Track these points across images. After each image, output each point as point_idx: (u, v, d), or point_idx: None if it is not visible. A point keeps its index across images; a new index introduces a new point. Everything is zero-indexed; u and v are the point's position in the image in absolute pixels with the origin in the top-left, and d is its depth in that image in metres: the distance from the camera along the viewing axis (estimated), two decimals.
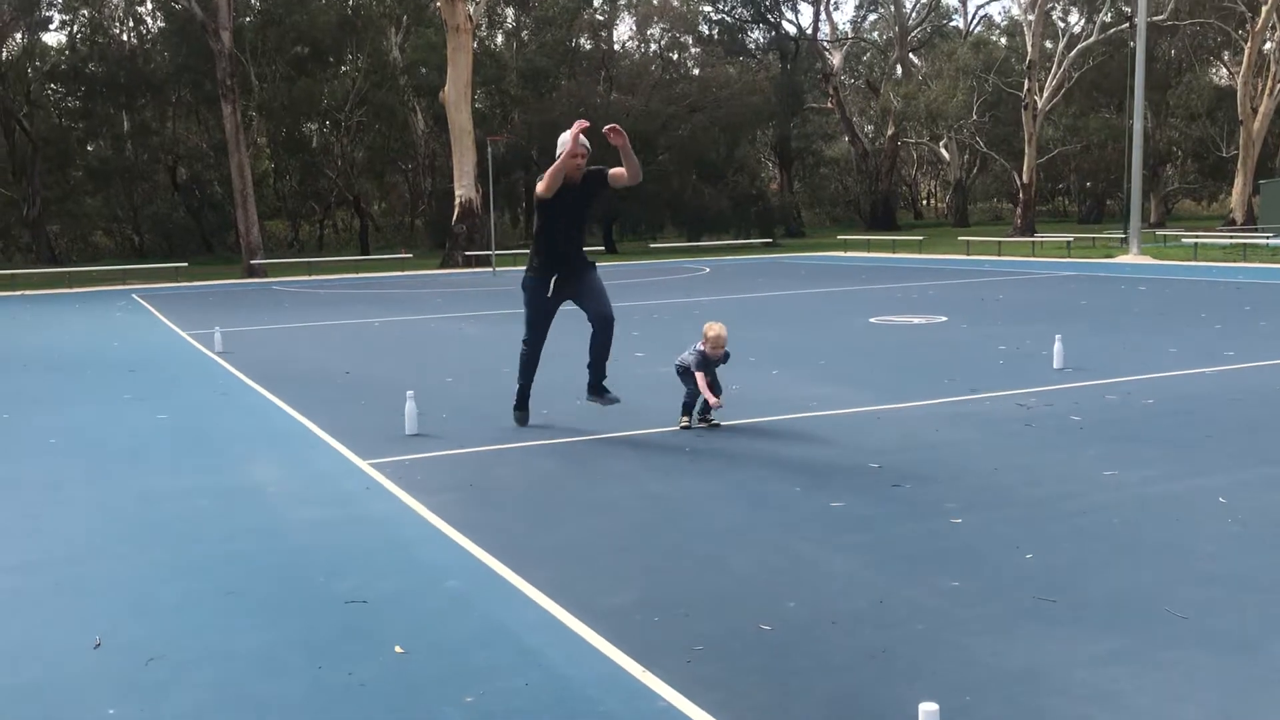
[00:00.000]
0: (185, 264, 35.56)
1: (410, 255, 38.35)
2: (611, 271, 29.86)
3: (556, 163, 7.25)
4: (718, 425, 7.72)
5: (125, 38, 49.16)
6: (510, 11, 54.48)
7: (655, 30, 54.31)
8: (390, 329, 15.64)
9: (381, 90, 45.56)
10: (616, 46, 56.48)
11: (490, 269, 32.14)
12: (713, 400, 7.47)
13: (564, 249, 7.56)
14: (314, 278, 31.83)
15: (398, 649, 3.88)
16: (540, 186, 7.27)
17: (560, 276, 7.54)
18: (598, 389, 7.82)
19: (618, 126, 7.10)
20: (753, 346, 12.17)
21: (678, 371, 7.81)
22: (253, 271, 33.26)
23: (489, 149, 32.18)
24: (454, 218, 36.19)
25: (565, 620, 4.11)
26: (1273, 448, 6.59)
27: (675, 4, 55.93)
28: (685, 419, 7.77)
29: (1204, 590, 4.23)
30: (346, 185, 47.44)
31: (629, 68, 50.96)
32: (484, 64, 45.51)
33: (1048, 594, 4.24)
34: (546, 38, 50.31)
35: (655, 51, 54.45)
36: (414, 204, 53.21)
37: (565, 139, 7.34)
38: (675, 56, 55.55)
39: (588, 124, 7.29)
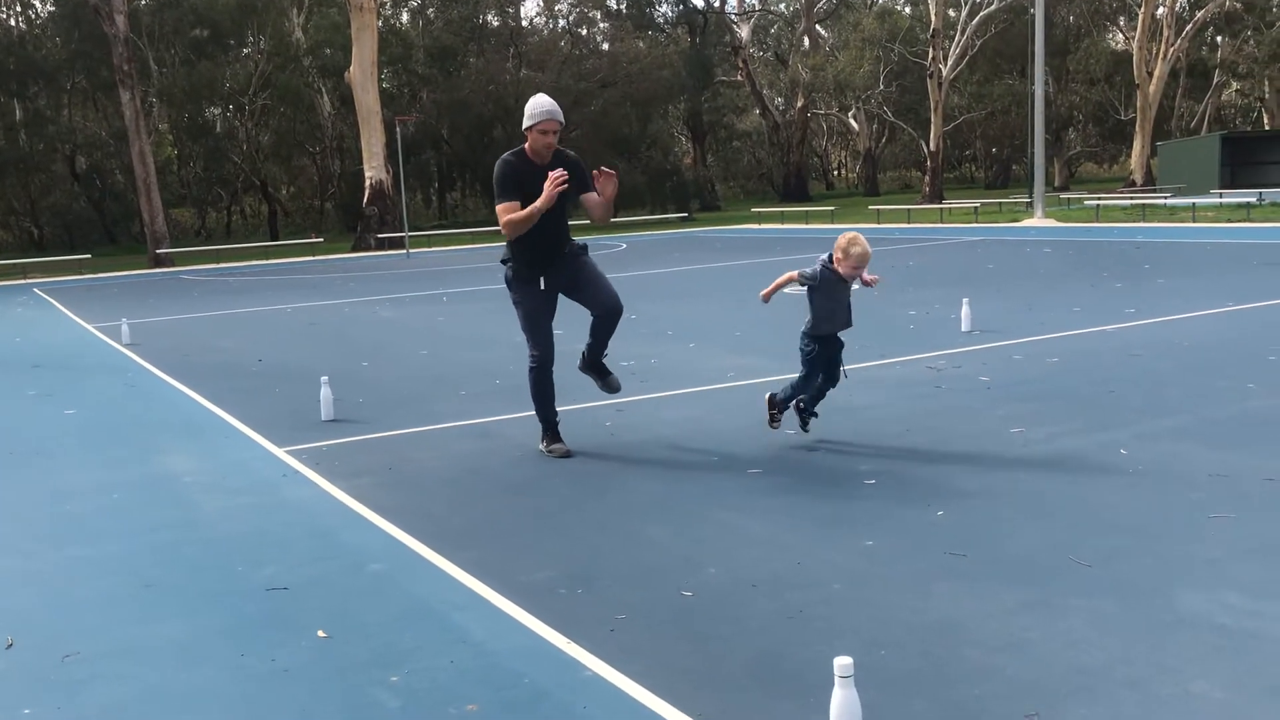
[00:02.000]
0: (88, 256, 34.60)
1: (321, 239, 37.75)
2: None
3: (531, 208, 5.90)
4: (774, 426, 6.34)
5: (13, 23, 47.47)
6: None
7: (563, 5, 54.00)
8: (303, 315, 15.42)
9: (285, 72, 44.68)
10: (524, 22, 56.05)
11: (404, 251, 31.79)
12: (767, 292, 6.18)
13: (546, 245, 6.19)
14: (223, 265, 31.20)
15: (321, 633, 3.87)
16: (507, 228, 5.99)
17: (549, 273, 6.25)
18: (597, 366, 6.59)
19: (612, 173, 6.07)
20: (670, 320, 12.24)
21: (805, 351, 6.16)
22: (159, 261, 32.49)
23: (398, 129, 31.76)
24: (365, 200, 35.73)
25: (489, 597, 4.13)
26: (1170, 401, 6.84)
27: None
28: (778, 417, 6.30)
29: (1107, 540, 4.39)
30: (253, 170, 46.50)
31: (538, 44, 50.64)
32: (389, 43, 44.87)
33: (960, 550, 4.37)
34: (453, 15, 49.75)
35: (564, 27, 54.15)
36: (323, 187, 52.35)
37: (547, 191, 5.87)
38: (584, 32, 55.33)
39: (565, 177, 5.87)
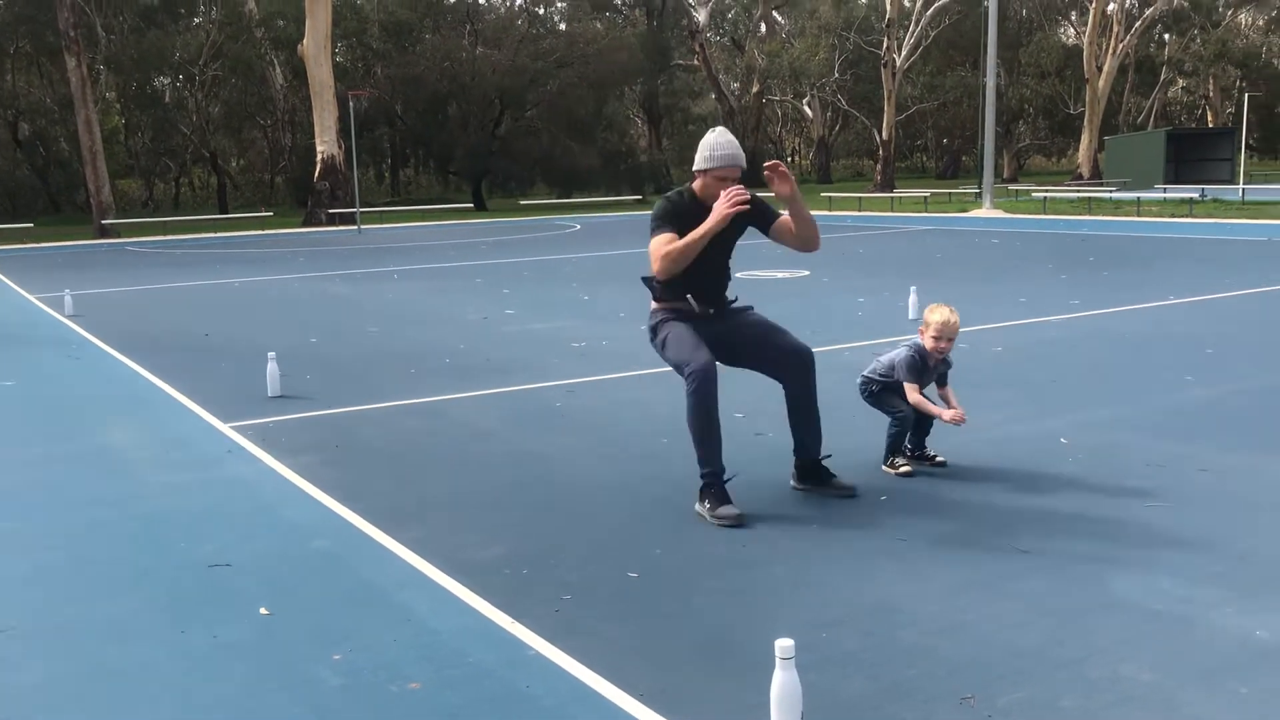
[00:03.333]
0: (30, 225, 33.88)
1: (271, 213, 37.31)
2: (481, 229, 29.59)
3: (697, 232, 4.66)
4: (944, 463, 5.37)
5: None
6: None
7: None
8: (251, 289, 15.23)
9: (237, 43, 43.95)
10: (482, 0, 55.55)
11: (355, 227, 31.48)
12: (949, 414, 5.09)
13: (700, 284, 4.91)
14: (170, 238, 30.71)
15: (263, 610, 3.85)
16: (662, 263, 4.72)
17: (701, 301, 4.94)
18: (817, 472, 5.06)
19: (781, 166, 4.68)
20: (624, 302, 12.24)
21: (866, 394, 5.46)
22: (104, 232, 31.92)
23: (351, 104, 31.40)
24: (316, 174, 35.31)
25: (433, 576, 4.12)
26: (1111, 390, 6.96)
27: None
28: (901, 461, 5.30)
29: (1045, 526, 4.47)
30: (202, 142, 45.74)
31: (494, 22, 50.21)
32: (344, 16, 44.29)
33: (902, 534, 4.43)
34: None
35: (521, 6, 53.76)
36: (274, 161, 51.65)
37: (720, 208, 4.64)
38: (541, 11, 54.97)
39: (745, 195, 4.64)
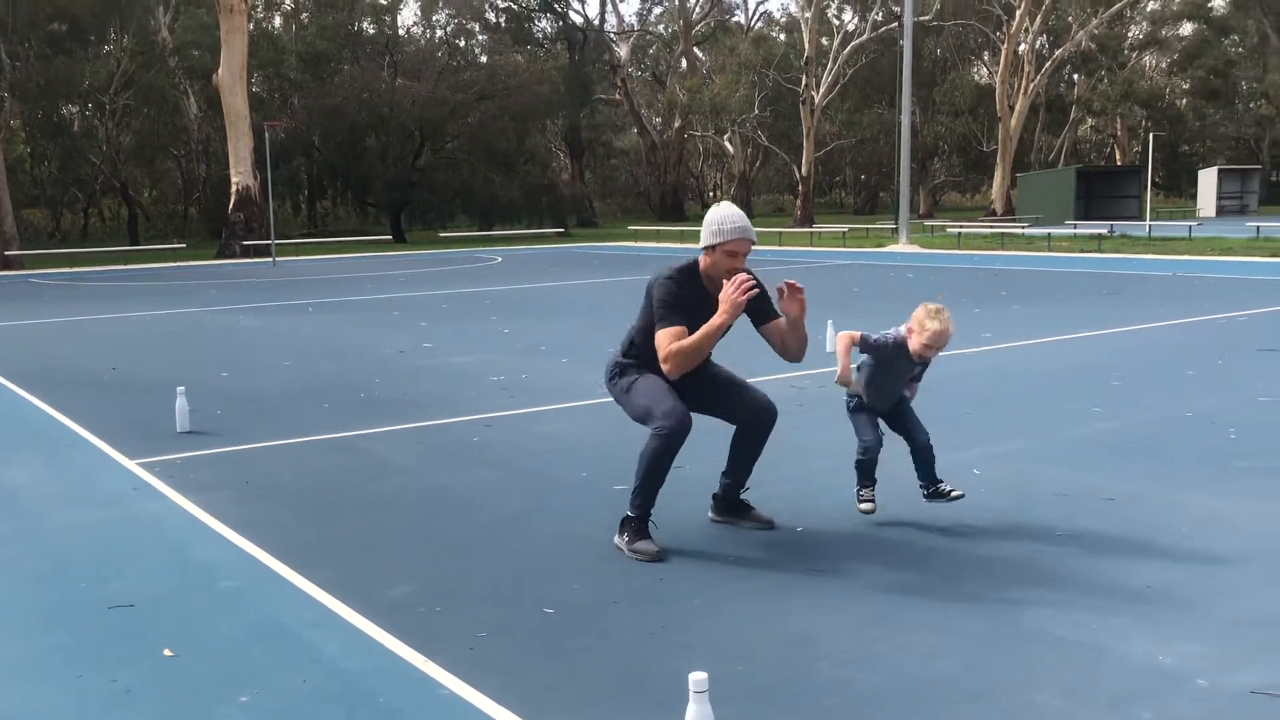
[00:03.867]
0: None
1: (184, 245, 36.60)
2: (400, 261, 29.35)
3: (710, 325, 4.49)
4: (961, 496, 4.98)
5: None
6: None
7: (441, 16, 53.58)
8: (161, 323, 14.90)
9: (150, 72, 43.19)
10: (401, 31, 55.43)
11: (270, 259, 31.02)
12: (842, 372, 4.87)
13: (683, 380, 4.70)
14: (78, 269, 29.95)
15: (167, 652, 3.73)
16: (673, 361, 4.51)
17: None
18: (738, 505, 5.06)
19: (800, 288, 4.67)
20: (544, 335, 12.21)
21: (848, 405, 5.08)
22: (8, 264, 31.03)
23: (267, 134, 31.02)
24: (231, 206, 34.78)
25: (345, 615, 4.03)
26: (1021, 421, 7.10)
27: None
28: (865, 495, 4.97)
29: (957, 555, 4.53)
30: (113, 172, 44.76)
31: (414, 53, 50.06)
32: (261, 46, 43.84)
33: (818, 565, 4.45)
34: (328, 20, 48.89)
35: (442, 38, 53.72)
36: (187, 191, 50.73)
37: (729, 296, 4.46)
38: (462, 43, 54.98)
39: (753, 282, 4.55)
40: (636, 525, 4.66)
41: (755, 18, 71.94)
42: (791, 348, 4.81)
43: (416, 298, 17.72)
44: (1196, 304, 13.71)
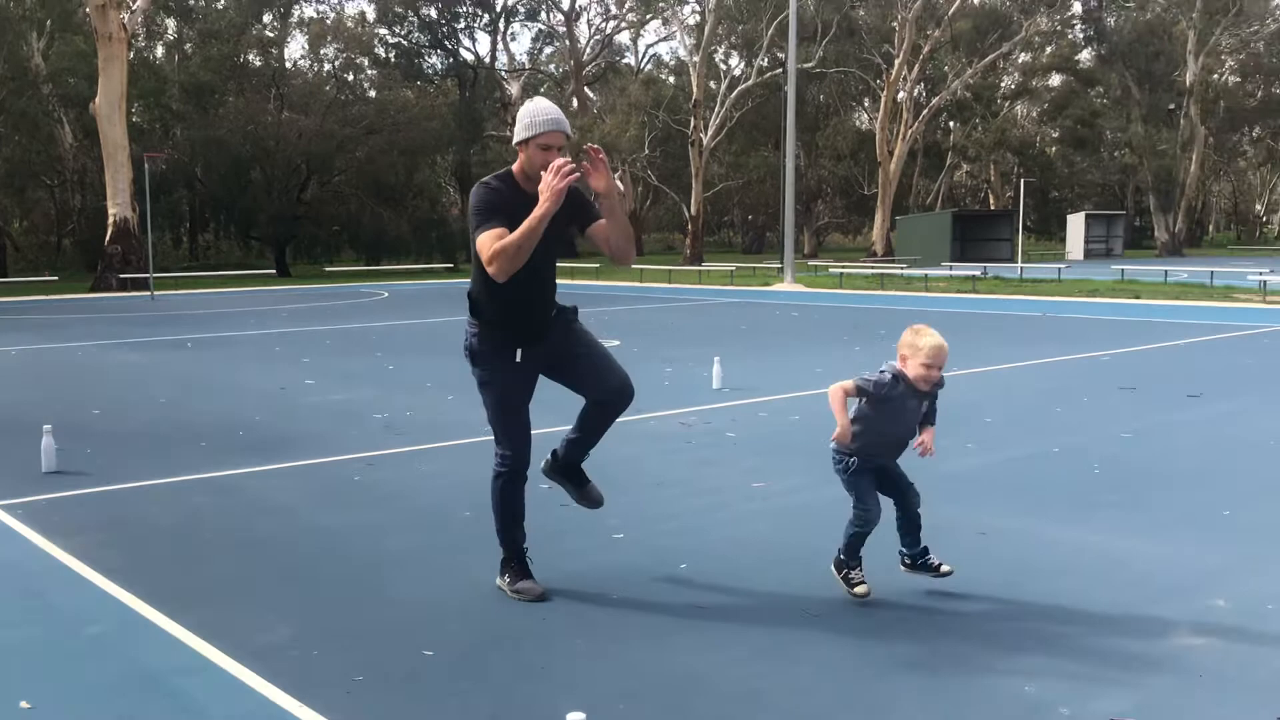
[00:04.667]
0: None
1: (56, 278, 35.31)
2: (284, 296, 28.78)
3: (531, 219, 4.19)
4: (950, 573, 4.53)
5: None
6: (171, 22, 51.52)
7: (329, 50, 52.99)
8: (30, 358, 14.34)
9: (22, 99, 41.73)
10: (289, 64, 54.63)
11: (148, 293, 30.12)
12: (841, 427, 4.40)
13: (529, 303, 4.53)
14: None
15: (24, 704, 3.57)
16: (496, 262, 4.25)
17: (530, 343, 4.57)
18: (574, 471, 4.90)
19: (602, 153, 4.33)
20: (430, 372, 12.09)
21: (838, 465, 4.53)
22: None
23: (146, 166, 30.20)
24: (107, 238, 33.71)
25: (217, 660, 3.92)
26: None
27: (350, 25, 54.82)
28: (857, 578, 4.46)
29: (835, 589, 4.61)
30: None
31: (302, 86, 49.38)
32: (141, 76, 42.73)
33: (701, 601, 4.49)
34: (212, 51, 47.93)
35: (330, 71, 53.09)
36: (61, 223, 49.00)
37: (549, 184, 4.19)
38: (351, 77, 54.40)
39: (573, 166, 4.22)
40: (514, 565, 4.60)
41: (645, 60, 73.01)
42: (615, 243, 4.46)
43: (300, 333, 17.40)
44: (1065, 344, 14.25)
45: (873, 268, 36.51)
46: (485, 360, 4.57)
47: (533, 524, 5.36)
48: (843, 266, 36.16)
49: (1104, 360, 12.42)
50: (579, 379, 4.64)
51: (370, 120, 45.31)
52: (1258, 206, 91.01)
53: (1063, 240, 54.64)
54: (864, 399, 4.39)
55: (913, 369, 4.31)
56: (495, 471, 4.56)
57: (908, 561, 4.59)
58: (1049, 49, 61.41)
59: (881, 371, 4.37)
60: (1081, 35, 60.10)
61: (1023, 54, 60.26)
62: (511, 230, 4.24)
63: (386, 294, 29.29)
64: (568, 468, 4.85)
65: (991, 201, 72.27)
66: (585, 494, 4.90)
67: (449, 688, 3.67)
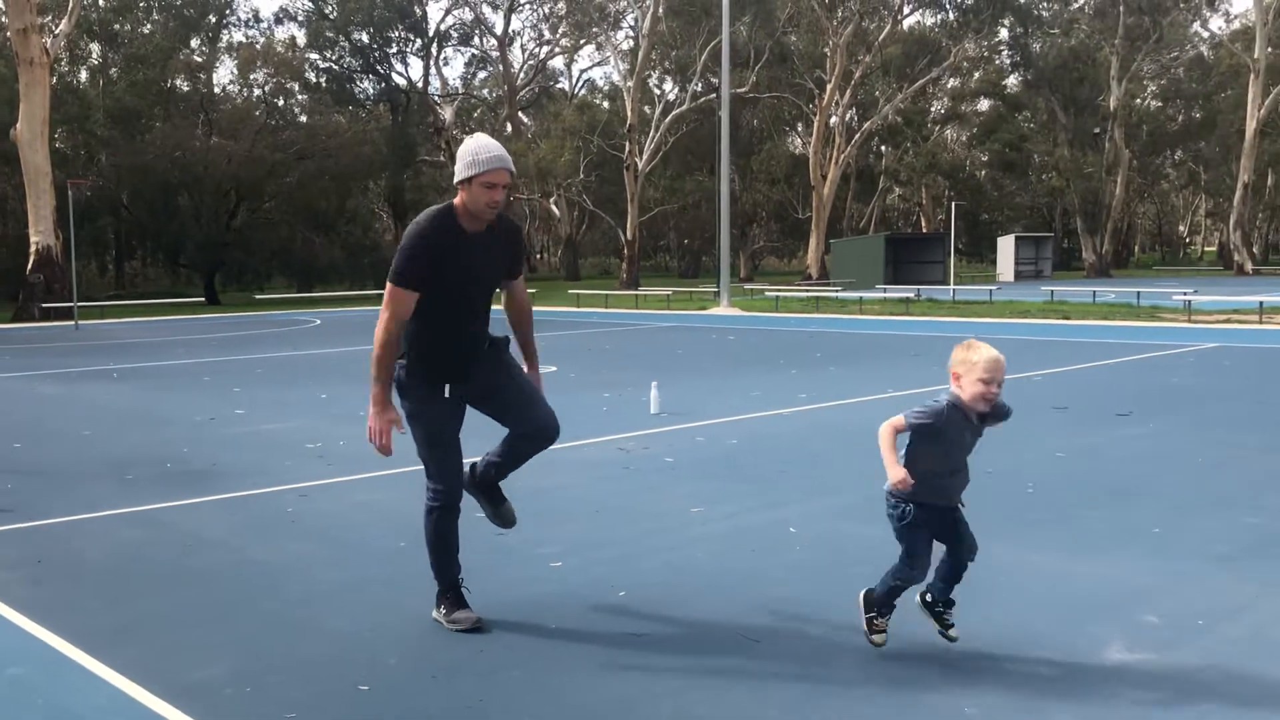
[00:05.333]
0: None
1: None
2: (213, 324, 28.33)
3: (377, 388, 4.33)
4: (955, 639, 4.12)
5: None
6: (96, 47, 50.69)
7: (259, 75, 52.47)
8: None
9: None
10: (217, 90, 53.99)
11: (72, 322, 29.47)
12: (895, 474, 3.89)
13: (460, 342, 4.44)
14: None
15: None
16: (376, 341, 4.27)
17: (456, 377, 4.46)
18: (491, 489, 4.81)
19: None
20: (364, 400, 11.92)
21: (893, 509, 4.04)
22: None
23: (70, 193, 29.61)
24: (29, 266, 32.96)
25: (144, 700, 3.81)
26: (834, 479, 7.32)
27: (280, 50, 54.35)
28: (879, 625, 4.12)
29: (775, 614, 4.61)
30: None
31: (231, 112, 48.81)
32: (65, 101, 41.98)
33: (639, 629, 4.46)
34: (138, 76, 47.26)
35: (259, 97, 52.56)
36: None
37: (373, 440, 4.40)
38: (281, 103, 53.88)
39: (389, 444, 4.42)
40: (450, 596, 4.54)
41: (579, 85, 73.26)
42: (517, 309, 4.78)
43: (229, 362, 17.11)
44: None
45: (808, 291, 36.86)
46: (413, 393, 4.44)
47: (470, 553, 5.28)
48: (778, 290, 36.46)
49: (1036, 380, 12.63)
50: (504, 412, 4.57)
51: (301, 146, 44.92)
52: (1181, 228, 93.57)
53: (993, 262, 55.62)
54: (919, 433, 3.91)
55: (968, 388, 3.83)
56: (428, 505, 4.50)
57: (927, 600, 4.14)
58: (977, 74, 62.84)
59: (935, 402, 3.91)
60: (1008, 61, 61.50)
61: (952, 79, 61.53)
62: (431, 286, 4.24)
63: (319, 321, 28.96)
64: (484, 484, 4.80)
65: (924, 224, 73.46)
66: (500, 512, 4.85)
67: None
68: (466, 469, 4.66)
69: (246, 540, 6.02)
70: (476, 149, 4.24)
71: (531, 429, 4.56)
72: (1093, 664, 4.01)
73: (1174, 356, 15.29)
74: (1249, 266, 53.40)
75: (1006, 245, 51.99)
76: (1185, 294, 25.08)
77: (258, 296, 41.07)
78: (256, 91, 52.31)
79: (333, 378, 14.43)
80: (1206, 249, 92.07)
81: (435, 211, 4.33)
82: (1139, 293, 29.12)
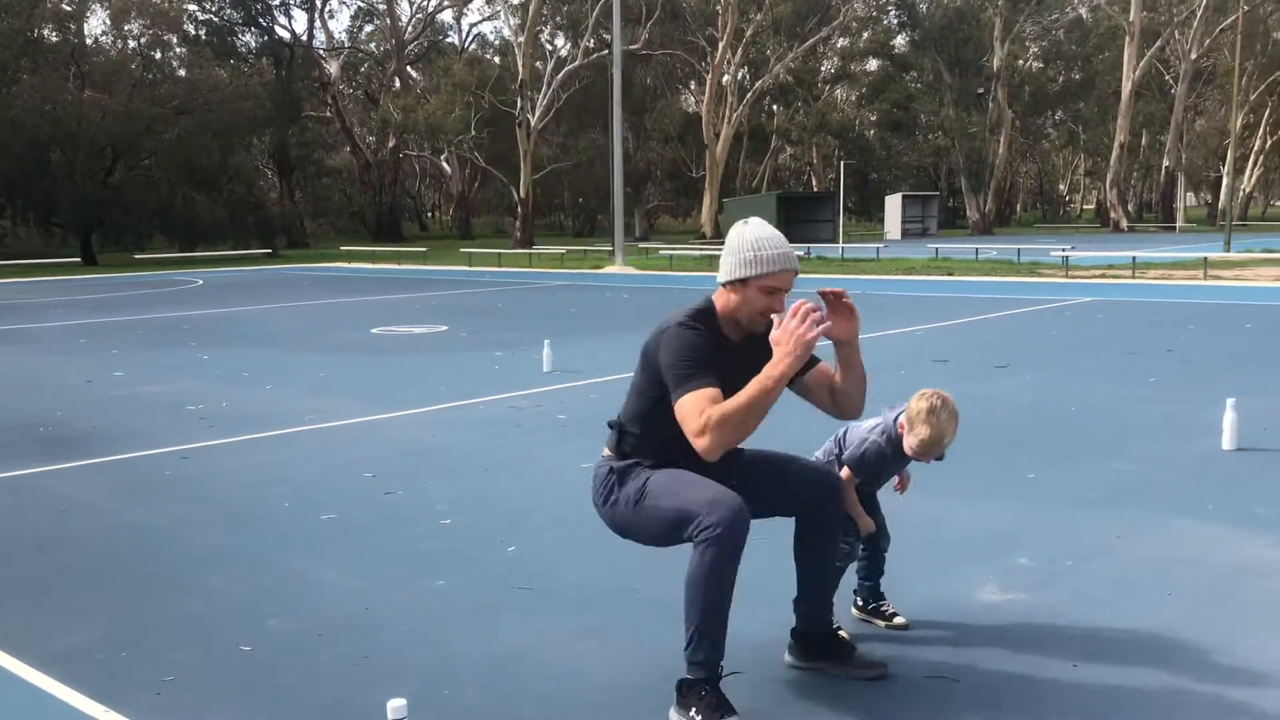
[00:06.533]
0: None
1: None
2: (89, 285, 27.33)
3: (771, 378, 3.12)
4: (905, 626, 3.94)
5: None
6: None
7: (134, 26, 50.37)
8: None
9: None
10: (89, 40, 51.69)
11: None
12: (864, 523, 3.77)
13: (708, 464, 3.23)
14: None
15: None
16: (714, 435, 3.09)
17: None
18: (828, 639, 3.62)
19: (846, 296, 3.48)
20: (247, 361, 11.67)
21: None
22: None
23: None
24: None
25: (14, 669, 3.69)
26: None
27: (156, 0, 52.24)
28: (887, 608, 4.01)
29: (660, 566, 4.65)
30: None
31: (104, 64, 46.80)
32: None
33: (528, 583, 4.47)
34: (2, 26, 44.94)
35: (135, 49, 50.50)
36: None
37: (794, 333, 3.17)
38: (159, 55, 51.89)
39: (824, 319, 3.32)
40: (709, 694, 3.17)
41: (469, 39, 72.14)
42: (848, 398, 3.50)
43: (107, 324, 16.54)
44: (883, 319, 14.76)
45: (702, 249, 37.05)
46: (635, 471, 3.40)
47: (356, 513, 5.24)
48: (673, 249, 36.58)
49: (918, 334, 12.92)
50: (768, 483, 3.49)
51: (181, 100, 43.35)
52: (1061, 186, 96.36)
53: (881, 221, 56.64)
54: (860, 477, 3.82)
55: (909, 444, 3.74)
56: (712, 535, 3.09)
57: (860, 605, 4.06)
58: (866, 34, 63.48)
59: (873, 438, 3.82)
60: (896, 21, 62.36)
61: (841, 39, 62.09)
62: (722, 390, 3.16)
63: (201, 282, 28.15)
64: (820, 639, 3.61)
65: (814, 183, 74.35)
66: (868, 666, 3.56)
67: (268, 683, 3.55)
68: (789, 644, 3.68)
69: (123, 504, 5.85)
70: (758, 242, 3.28)
71: (805, 484, 3.50)
72: (965, 603, 4.15)
73: (1052, 310, 15.79)
74: (1125, 224, 55.33)
75: (894, 204, 52.95)
76: (1063, 250, 25.88)
77: (137, 256, 39.68)
78: (132, 43, 50.23)
79: (217, 339, 14.06)
80: (1085, 207, 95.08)
81: (692, 313, 3.34)
82: (1019, 249, 29.96)
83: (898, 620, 3.95)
